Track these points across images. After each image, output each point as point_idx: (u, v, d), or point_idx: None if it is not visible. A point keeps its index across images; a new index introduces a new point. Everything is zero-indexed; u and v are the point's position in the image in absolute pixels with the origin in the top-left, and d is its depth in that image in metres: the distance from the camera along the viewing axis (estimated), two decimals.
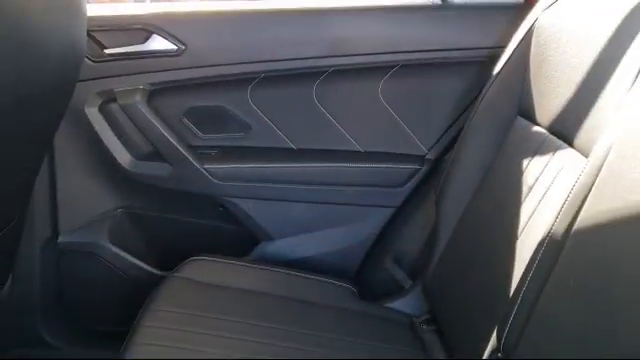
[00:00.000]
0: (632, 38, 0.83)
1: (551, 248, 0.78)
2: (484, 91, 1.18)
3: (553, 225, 0.79)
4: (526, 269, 0.83)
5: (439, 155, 1.42)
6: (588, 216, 0.72)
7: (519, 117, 1.10)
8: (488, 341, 0.91)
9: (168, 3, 1.50)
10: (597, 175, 0.72)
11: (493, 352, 0.88)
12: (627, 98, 0.77)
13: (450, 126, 1.41)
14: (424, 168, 1.43)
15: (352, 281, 1.41)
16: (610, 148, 0.72)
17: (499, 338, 0.84)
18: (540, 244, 0.81)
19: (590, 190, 0.73)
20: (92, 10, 1.30)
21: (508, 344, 0.82)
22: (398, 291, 1.38)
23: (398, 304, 1.35)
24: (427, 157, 1.44)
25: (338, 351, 1.12)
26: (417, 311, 1.32)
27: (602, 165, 0.72)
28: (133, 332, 1.08)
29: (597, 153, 0.74)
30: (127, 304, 1.27)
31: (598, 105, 0.86)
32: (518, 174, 1.02)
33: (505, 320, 0.83)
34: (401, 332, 1.26)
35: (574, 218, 0.74)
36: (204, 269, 1.32)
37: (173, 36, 1.34)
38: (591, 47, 0.91)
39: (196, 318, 1.14)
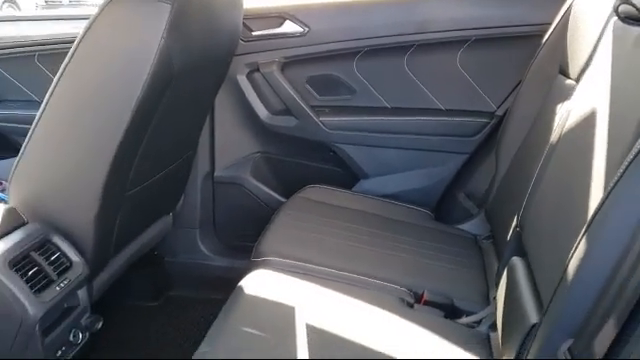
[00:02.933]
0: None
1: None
2: (534, 58, 1.53)
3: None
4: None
5: (505, 111, 1.78)
6: None
7: (559, 75, 1.44)
8: None
9: None
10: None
11: None
12: None
13: (514, 88, 1.76)
14: (493, 122, 1.80)
15: (431, 209, 1.82)
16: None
17: None
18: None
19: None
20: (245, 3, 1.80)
21: None
22: (467, 217, 1.77)
23: (466, 226, 1.74)
24: (496, 113, 1.80)
25: (418, 255, 1.52)
26: (480, 231, 1.70)
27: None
28: (265, 230, 1.55)
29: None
30: (262, 224, 1.69)
31: None
32: (553, 116, 1.37)
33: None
34: (467, 244, 1.65)
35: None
36: (318, 193, 1.80)
37: (300, 21, 1.81)
38: (604, 21, 1.24)
39: (312, 221, 1.60)
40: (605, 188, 0.78)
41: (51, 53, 1.95)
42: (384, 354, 1.07)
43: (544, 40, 1.52)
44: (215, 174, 2.02)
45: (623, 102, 0.93)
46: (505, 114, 1.75)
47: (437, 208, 1.88)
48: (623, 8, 0.97)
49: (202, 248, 2.08)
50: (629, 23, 0.98)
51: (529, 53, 1.62)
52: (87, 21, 1.18)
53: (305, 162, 2.01)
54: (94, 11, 1.18)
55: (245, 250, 1.64)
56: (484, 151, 1.83)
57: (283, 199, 1.99)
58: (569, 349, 0.76)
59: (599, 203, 0.77)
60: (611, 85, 0.99)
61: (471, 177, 1.85)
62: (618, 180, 0.75)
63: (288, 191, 1.94)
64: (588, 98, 1.08)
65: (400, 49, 1.82)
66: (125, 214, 1.40)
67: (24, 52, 1.98)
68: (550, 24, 1.53)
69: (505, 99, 1.79)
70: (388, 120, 1.86)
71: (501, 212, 1.52)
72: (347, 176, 1.96)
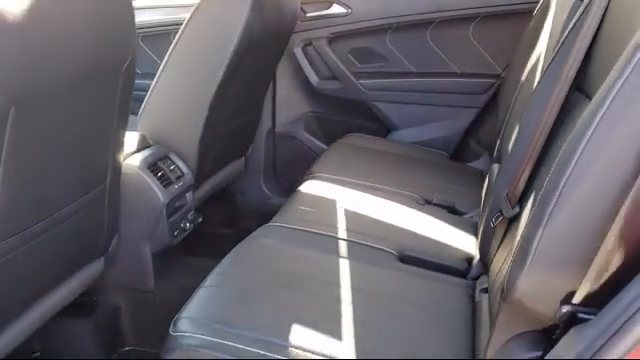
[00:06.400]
0: None
1: None
2: (527, 28, 1.96)
3: None
4: None
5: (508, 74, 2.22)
6: None
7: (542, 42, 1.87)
8: None
9: None
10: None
11: None
12: None
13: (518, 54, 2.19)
14: (498, 82, 2.24)
15: (448, 153, 2.29)
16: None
17: None
18: None
19: None
20: None
21: None
22: (476, 157, 2.23)
23: (474, 164, 2.21)
24: (501, 75, 2.25)
25: (432, 177, 1.99)
26: (485, 167, 2.15)
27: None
28: (315, 161, 2.05)
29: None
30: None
31: None
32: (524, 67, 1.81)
33: None
34: (475, 176, 2.10)
35: None
36: (357, 139, 2.29)
37: (344, 4, 2.31)
38: None
39: (351, 157, 2.10)
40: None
41: (149, 35, 2.51)
42: (404, 229, 1.55)
43: (533, 14, 1.96)
44: (275, 130, 2.53)
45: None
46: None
47: (453, 152, 2.34)
48: None
49: (264, 189, 2.60)
50: None
51: (524, 25, 2.06)
52: (194, 6, 1.72)
53: (346, 118, 2.51)
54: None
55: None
56: (491, 105, 2.28)
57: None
58: None
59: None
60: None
61: (480, 126, 2.31)
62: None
63: (333, 142, 2.43)
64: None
65: (423, 25, 2.29)
66: (215, 145, 1.93)
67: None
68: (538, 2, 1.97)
69: (508, 64, 2.23)
70: (414, 81, 2.34)
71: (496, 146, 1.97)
72: (380, 129, 2.44)
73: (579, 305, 0.73)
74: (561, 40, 1.22)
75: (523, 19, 2.07)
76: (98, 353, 1.69)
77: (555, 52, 1.22)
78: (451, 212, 1.74)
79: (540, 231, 0.77)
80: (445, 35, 2.29)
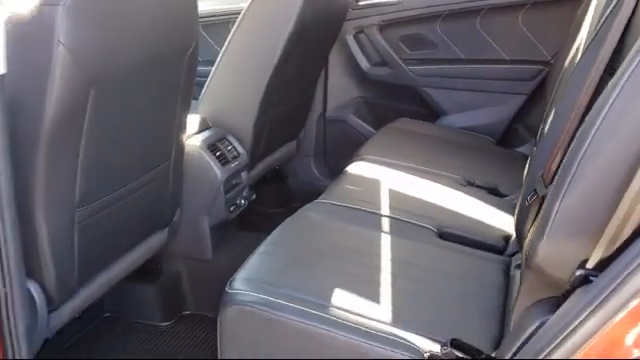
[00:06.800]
0: None
1: None
2: (575, 16, 1.98)
3: None
4: None
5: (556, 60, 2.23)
6: None
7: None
8: None
9: None
10: None
11: None
12: None
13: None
14: (547, 69, 2.26)
15: (496, 139, 2.33)
16: None
17: None
18: None
19: None
20: None
21: None
22: (523, 142, 2.27)
23: (521, 149, 2.24)
24: (550, 62, 2.26)
25: (477, 161, 2.05)
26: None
27: None
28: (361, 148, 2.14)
29: None
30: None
31: None
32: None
33: None
34: (520, 160, 2.14)
35: None
36: (406, 124, 2.37)
37: None
38: None
39: (400, 140, 2.18)
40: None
41: (209, 23, 2.65)
42: (445, 208, 1.63)
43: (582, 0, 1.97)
44: (326, 114, 2.64)
45: None
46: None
47: (500, 137, 2.38)
48: None
49: (314, 171, 2.71)
50: None
51: (574, 12, 2.07)
52: None
53: (395, 103, 2.58)
54: None
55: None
56: (540, 92, 2.30)
57: None
58: None
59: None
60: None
61: (528, 113, 2.34)
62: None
63: (382, 127, 2.51)
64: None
65: (474, 12, 2.33)
66: (269, 128, 2.06)
67: None
68: None
69: (557, 51, 2.24)
70: (463, 68, 2.39)
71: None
72: (429, 114, 2.50)
73: (592, 270, 0.80)
74: (598, 27, 1.26)
75: (572, 6, 2.08)
76: (161, 315, 1.86)
77: (591, 38, 1.27)
78: (493, 194, 1.80)
79: (558, 203, 0.84)
80: (494, 22, 2.32)
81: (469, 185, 1.82)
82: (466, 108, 2.42)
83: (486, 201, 1.70)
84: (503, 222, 1.58)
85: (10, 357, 1.08)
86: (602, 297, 0.68)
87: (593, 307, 0.68)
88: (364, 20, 2.45)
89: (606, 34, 1.15)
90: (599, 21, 1.32)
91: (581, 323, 0.69)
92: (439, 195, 1.71)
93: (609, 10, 1.21)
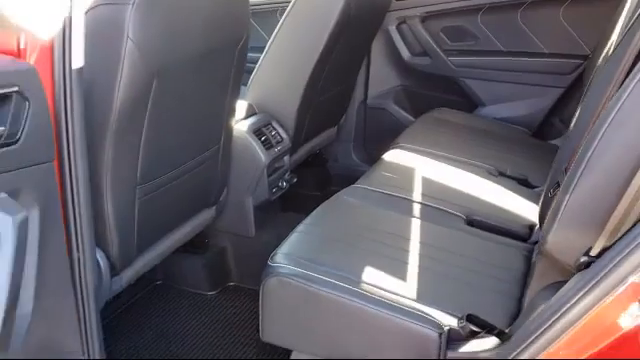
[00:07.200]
0: None
1: None
2: (615, 11, 2.01)
3: None
4: None
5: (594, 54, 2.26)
6: None
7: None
8: None
9: None
10: None
11: None
12: None
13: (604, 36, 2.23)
14: (585, 63, 2.30)
15: (532, 131, 2.39)
16: None
17: None
18: None
19: None
20: None
21: None
22: (558, 135, 2.31)
23: (556, 141, 2.29)
24: (589, 56, 2.29)
25: (508, 151, 2.12)
26: None
27: None
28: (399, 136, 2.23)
29: None
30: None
31: None
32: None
33: None
34: (553, 153, 2.19)
35: None
36: (444, 113, 2.44)
37: None
38: None
39: (437, 129, 2.26)
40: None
41: (257, 11, 2.77)
42: (474, 196, 1.72)
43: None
44: (367, 101, 2.74)
45: None
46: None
47: (536, 129, 2.43)
48: None
49: (354, 156, 2.82)
50: None
51: (614, 7, 2.09)
52: None
53: (435, 93, 2.66)
54: None
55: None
56: (577, 85, 2.33)
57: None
58: None
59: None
60: None
61: (565, 106, 2.38)
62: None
63: (420, 115, 2.59)
64: None
65: (515, 5, 2.38)
66: (311, 115, 2.18)
67: None
68: None
69: (596, 45, 2.27)
70: (502, 60, 2.45)
71: None
72: (467, 104, 2.57)
73: (594, 257, 0.90)
74: (629, 24, 1.32)
75: (613, 1, 2.11)
76: (208, 285, 2.03)
77: (622, 36, 1.33)
78: (523, 184, 1.87)
79: (568, 196, 0.93)
80: (535, 15, 2.36)
81: (500, 175, 1.90)
82: (504, 100, 2.48)
83: (515, 191, 1.78)
84: (529, 212, 1.66)
85: (80, 314, 1.25)
86: (594, 281, 0.77)
87: (586, 289, 0.78)
88: (407, 11, 2.53)
89: (635, 32, 1.22)
90: (630, 18, 1.38)
91: (575, 304, 0.78)
92: (470, 184, 1.80)
93: None
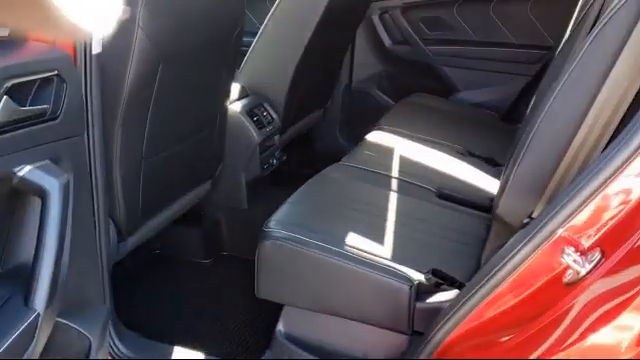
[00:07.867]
0: None
1: None
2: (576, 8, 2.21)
3: None
4: None
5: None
6: None
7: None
8: None
9: None
10: None
11: None
12: None
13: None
14: (549, 53, 2.50)
15: (501, 115, 2.60)
16: None
17: None
18: None
19: None
20: None
21: None
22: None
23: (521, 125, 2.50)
24: (552, 47, 2.50)
25: (477, 132, 2.33)
26: None
27: None
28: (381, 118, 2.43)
29: None
30: None
31: None
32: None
33: None
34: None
35: None
36: (421, 98, 2.64)
37: None
38: None
39: (414, 112, 2.46)
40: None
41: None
42: (444, 172, 1.92)
43: None
44: (352, 85, 2.92)
45: None
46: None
47: (505, 114, 2.64)
48: None
49: (339, 137, 3.01)
50: None
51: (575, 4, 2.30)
52: None
53: (414, 79, 2.85)
54: None
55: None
56: (542, 74, 2.54)
57: None
58: None
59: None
60: None
61: (531, 93, 2.58)
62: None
63: (400, 99, 2.79)
64: None
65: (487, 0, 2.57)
66: (299, 97, 2.36)
67: None
68: None
69: (559, 39, 2.48)
70: (475, 49, 2.65)
71: None
72: (443, 90, 2.77)
73: (533, 219, 1.10)
74: (578, 19, 1.52)
75: None
76: (203, 254, 2.21)
77: (572, 30, 1.53)
78: (489, 163, 2.08)
79: (515, 168, 1.13)
80: (506, 9, 2.56)
81: (469, 155, 2.10)
82: (476, 86, 2.69)
83: (481, 169, 1.99)
84: (492, 186, 1.87)
85: (100, 268, 1.44)
86: (529, 236, 0.97)
87: (523, 243, 0.97)
88: (389, 2, 2.72)
89: (583, 23, 1.42)
90: (579, 14, 1.58)
91: (514, 255, 0.98)
92: (441, 162, 2.00)
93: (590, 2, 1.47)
